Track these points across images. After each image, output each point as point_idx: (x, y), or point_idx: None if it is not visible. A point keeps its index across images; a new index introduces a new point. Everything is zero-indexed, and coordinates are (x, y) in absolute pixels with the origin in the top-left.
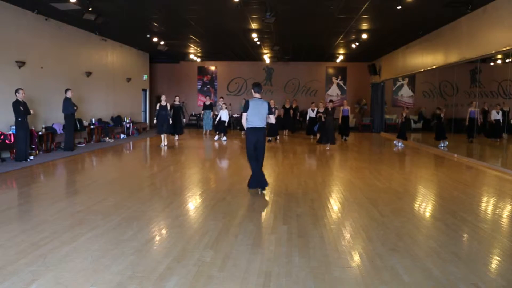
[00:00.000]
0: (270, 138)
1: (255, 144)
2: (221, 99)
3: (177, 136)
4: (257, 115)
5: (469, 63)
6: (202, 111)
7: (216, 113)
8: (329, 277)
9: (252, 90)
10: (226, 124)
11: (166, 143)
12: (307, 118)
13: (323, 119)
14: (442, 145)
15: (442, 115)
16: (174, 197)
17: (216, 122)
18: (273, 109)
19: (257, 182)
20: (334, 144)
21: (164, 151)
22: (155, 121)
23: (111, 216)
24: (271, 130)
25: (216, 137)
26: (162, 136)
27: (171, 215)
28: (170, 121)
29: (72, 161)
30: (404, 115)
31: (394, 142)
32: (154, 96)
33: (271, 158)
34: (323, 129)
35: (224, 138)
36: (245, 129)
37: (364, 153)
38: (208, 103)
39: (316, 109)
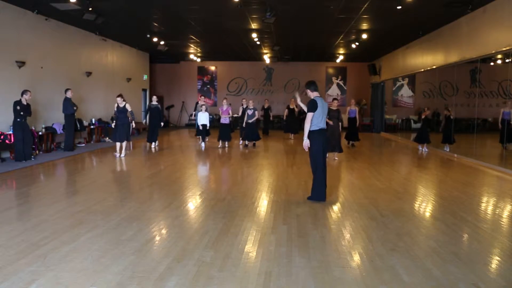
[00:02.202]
0: (247, 143)
1: (324, 148)
2: (203, 97)
3: (156, 143)
4: (322, 116)
5: (469, 63)
6: (193, 112)
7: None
8: (329, 277)
9: (309, 90)
10: (207, 127)
11: (122, 154)
12: None
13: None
14: (447, 149)
15: (452, 116)
16: (174, 197)
17: (196, 125)
18: (252, 110)
19: (324, 193)
20: (341, 152)
21: (119, 162)
22: (113, 125)
23: (111, 216)
24: (249, 133)
25: (202, 144)
26: (117, 144)
27: (171, 215)
28: (133, 125)
29: (72, 161)
30: (424, 116)
31: (419, 147)
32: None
33: (273, 160)
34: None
35: (203, 144)
36: (306, 131)
37: (364, 153)
38: (201, 103)
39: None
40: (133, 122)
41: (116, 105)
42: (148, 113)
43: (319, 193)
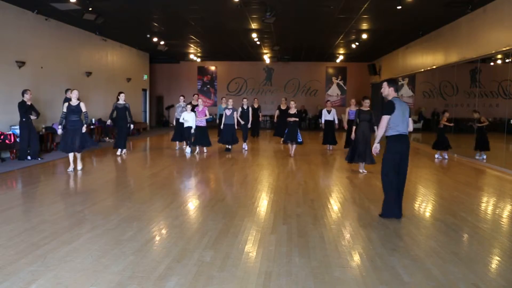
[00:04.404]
0: (228, 146)
1: (400, 157)
2: (182, 97)
3: (124, 150)
4: (402, 118)
5: (469, 63)
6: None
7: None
8: (329, 277)
9: (392, 88)
10: (192, 130)
11: (71, 168)
12: (322, 121)
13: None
14: (483, 156)
15: (482, 119)
16: (174, 197)
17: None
18: (231, 111)
19: (396, 208)
20: (374, 163)
21: (72, 181)
22: (59, 131)
23: (111, 216)
24: (227, 135)
25: (188, 150)
26: (70, 155)
27: (171, 215)
28: (84, 129)
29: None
30: (446, 119)
31: (436, 155)
32: (154, 96)
33: (273, 162)
34: (354, 142)
35: (189, 149)
36: (379, 136)
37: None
38: (195, 103)
39: (332, 109)
40: (84, 127)
41: (66, 104)
42: (115, 114)
43: (388, 208)
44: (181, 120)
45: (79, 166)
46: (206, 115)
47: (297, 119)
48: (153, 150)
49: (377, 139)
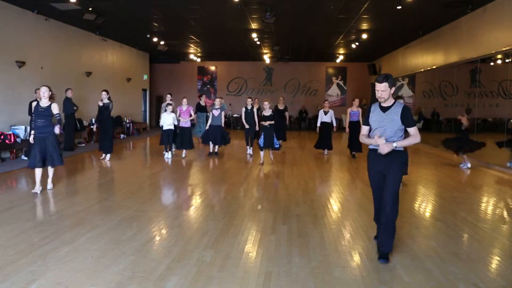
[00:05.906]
0: (211, 151)
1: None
2: (169, 95)
3: (108, 155)
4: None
5: (469, 63)
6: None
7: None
8: (329, 277)
9: (393, 88)
10: (175, 132)
11: (50, 186)
12: (318, 124)
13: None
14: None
15: None
16: (174, 197)
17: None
18: (218, 111)
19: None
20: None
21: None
22: (31, 138)
23: (111, 216)
24: (210, 136)
25: (166, 154)
26: (37, 171)
27: (171, 215)
28: (57, 130)
29: (72, 161)
30: (466, 123)
31: (461, 165)
32: (154, 96)
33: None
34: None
35: (169, 154)
36: (405, 144)
37: (365, 154)
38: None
39: (329, 111)
40: (57, 127)
41: (35, 103)
42: (98, 114)
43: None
44: (161, 123)
45: (49, 185)
46: (191, 115)
47: (272, 122)
48: (152, 150)
49: (398, 144)
